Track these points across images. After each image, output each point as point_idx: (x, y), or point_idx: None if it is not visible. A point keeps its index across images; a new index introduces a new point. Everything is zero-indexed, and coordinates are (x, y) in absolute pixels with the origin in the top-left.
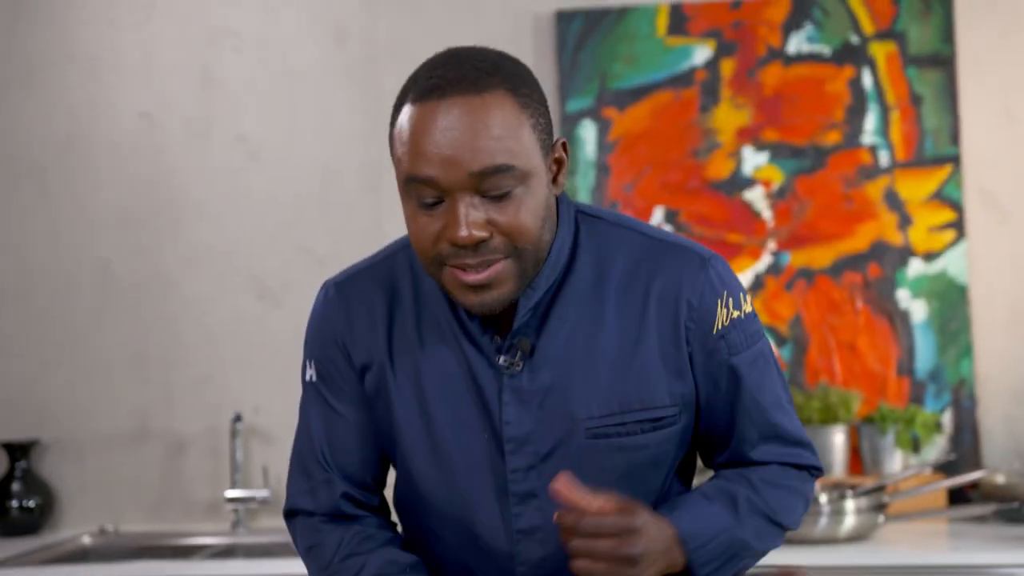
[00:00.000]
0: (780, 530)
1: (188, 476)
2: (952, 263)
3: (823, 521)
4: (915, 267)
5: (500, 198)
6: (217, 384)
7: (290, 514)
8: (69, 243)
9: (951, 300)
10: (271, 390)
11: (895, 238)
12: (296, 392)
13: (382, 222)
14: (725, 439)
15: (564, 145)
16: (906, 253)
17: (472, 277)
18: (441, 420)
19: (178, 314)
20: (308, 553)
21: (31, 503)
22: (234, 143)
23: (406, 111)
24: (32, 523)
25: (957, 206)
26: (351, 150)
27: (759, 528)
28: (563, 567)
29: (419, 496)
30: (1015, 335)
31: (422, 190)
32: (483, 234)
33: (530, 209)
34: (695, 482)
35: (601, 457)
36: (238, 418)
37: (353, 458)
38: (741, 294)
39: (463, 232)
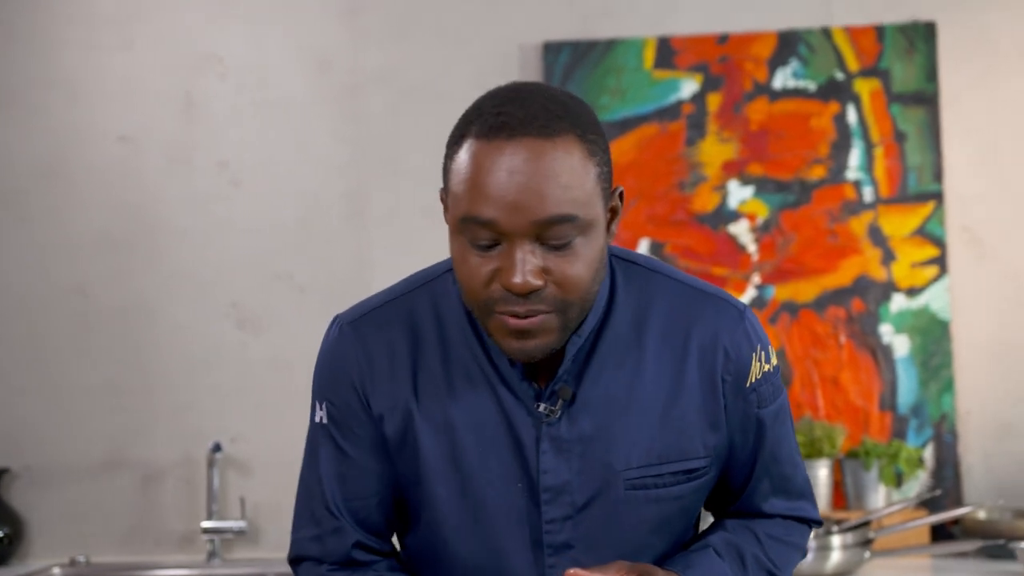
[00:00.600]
0: None
1: (162, 506)
2: (934, 299)
3: (809, 557)
4: (898, 302)
5: (559, 247)
6: (194, 413)
7: (296, 560)
8: (47, 268)
9: (933, 335)
10: (249, 419)
11: (878, 273)
12: (275, 421)
13: (364, 251)
14: (741, 490)
15: (621, 195)
16: (889, 288)
17: (518, 323)
18: (474, 469)
19: (156, 341)
20: None
21: (0, 533)
22: (216, 169)
23: (468, 146)
24: (1, 554)
25: (940, 242)
26: (334, 178)
27: None
28: None
29: (445, 547)
30: (996, 371)
31: (479, 231)
32: (538, 283)
33: (587, 260)
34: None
35: (638, 508)
36: (217, 447)
37: (368, 503)
38: (770, 347)
39: (518, 279)
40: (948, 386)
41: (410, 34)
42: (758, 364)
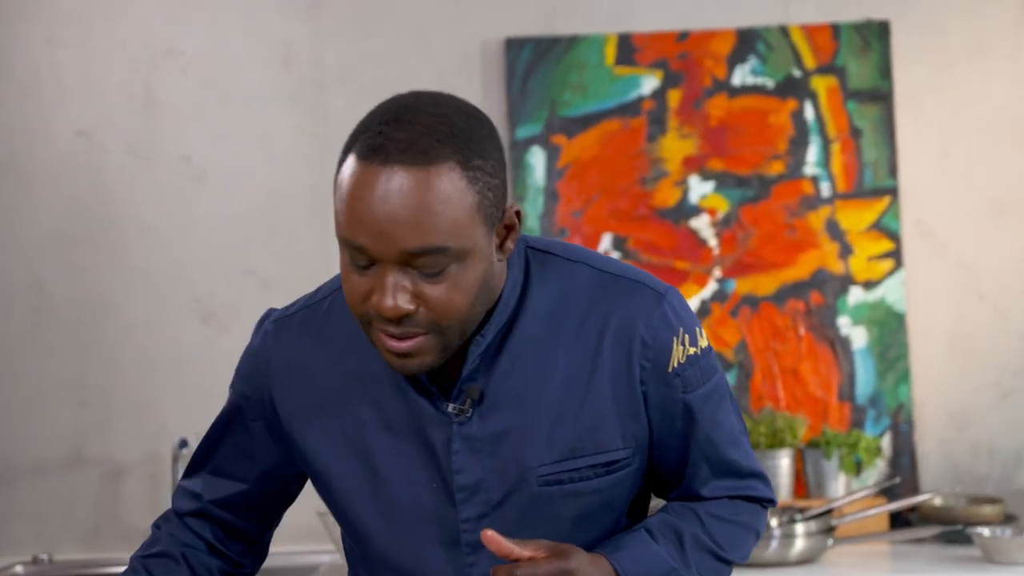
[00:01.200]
0: (727, 566)
1: (126, 504)
2: (890, 292)
3: (774, 544)
4: (855, 295)
5: (432, 275)
6: (158, 410)
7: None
8: (3, 264)
9: (890, 327)
10: (212, 415)
11: (836, 267)
12: None
13: (329, 245)
14: (678, 476)
15: (518, 213)
16: (847, 281)
17: (394, 344)
18: (385, 472)
19: (117, 337)
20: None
21: None
22: (177, 164)
23: (349, 165)
24: None
25: (895, 236)
26: (297, 173)
27: (705, 565)
28: None
29: (366, 550)
30: (950, 362)
31: (354, 253)
32: (408, 307)
33: (462, 287)
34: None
35: (555, 504)
36: (183, 443)
37: (233, 487)
38: (697, 329)
39: (388, 303)
40: (904, 377)
41: (373, 30)
42: (680, 348)
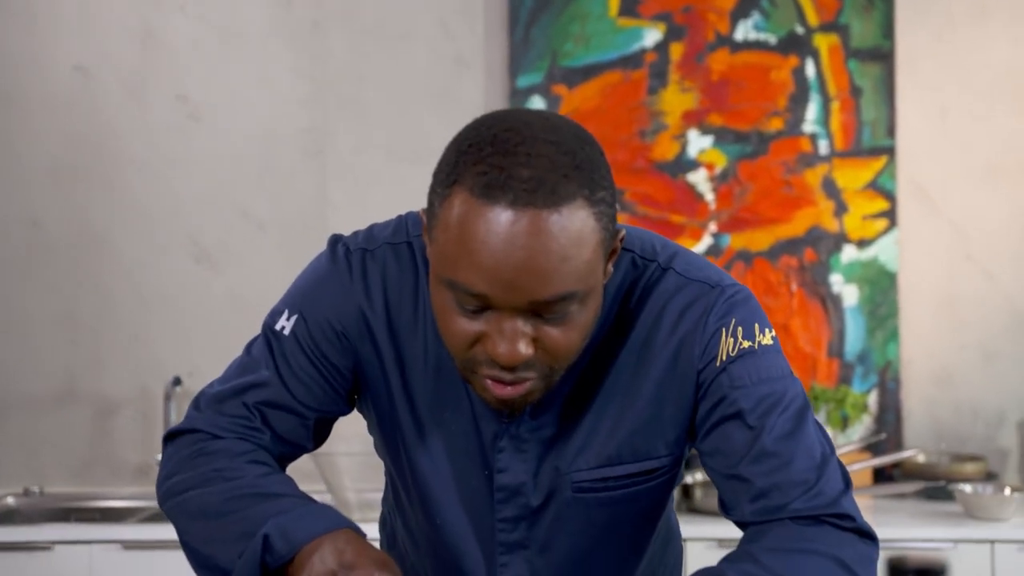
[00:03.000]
0: None
1: (117, 439)
2: (883, 251)
3: None
4: (848, 253)
5: (555, 319)
6: (151, 347)
7: (174, 435)
8: None
9: (881, 286)
10: (206, 355)
11: (831, 224)
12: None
13: (325, 187)
14: (730, 492)
15: (623, 238)
16: (840, 239)
17: (504, 392)
18: (436, 449)
19: (111, 274)
20: (192, 460)
21: None
22: (174, 102)
23: (460, 200)
24: None
25: (890, 196)
26: (294, 114)
27: None
28: None
29: (407, 522)
30: (939, 322)
31: (464, 297)
32: (529, 354)
33: (580, 326)
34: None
35: (588, 511)
36: (177, 381)
37: (290, 421)
38: (757, 325)
39: (507, 351)
40: (893, 335)
41: None
42: (731, 339)
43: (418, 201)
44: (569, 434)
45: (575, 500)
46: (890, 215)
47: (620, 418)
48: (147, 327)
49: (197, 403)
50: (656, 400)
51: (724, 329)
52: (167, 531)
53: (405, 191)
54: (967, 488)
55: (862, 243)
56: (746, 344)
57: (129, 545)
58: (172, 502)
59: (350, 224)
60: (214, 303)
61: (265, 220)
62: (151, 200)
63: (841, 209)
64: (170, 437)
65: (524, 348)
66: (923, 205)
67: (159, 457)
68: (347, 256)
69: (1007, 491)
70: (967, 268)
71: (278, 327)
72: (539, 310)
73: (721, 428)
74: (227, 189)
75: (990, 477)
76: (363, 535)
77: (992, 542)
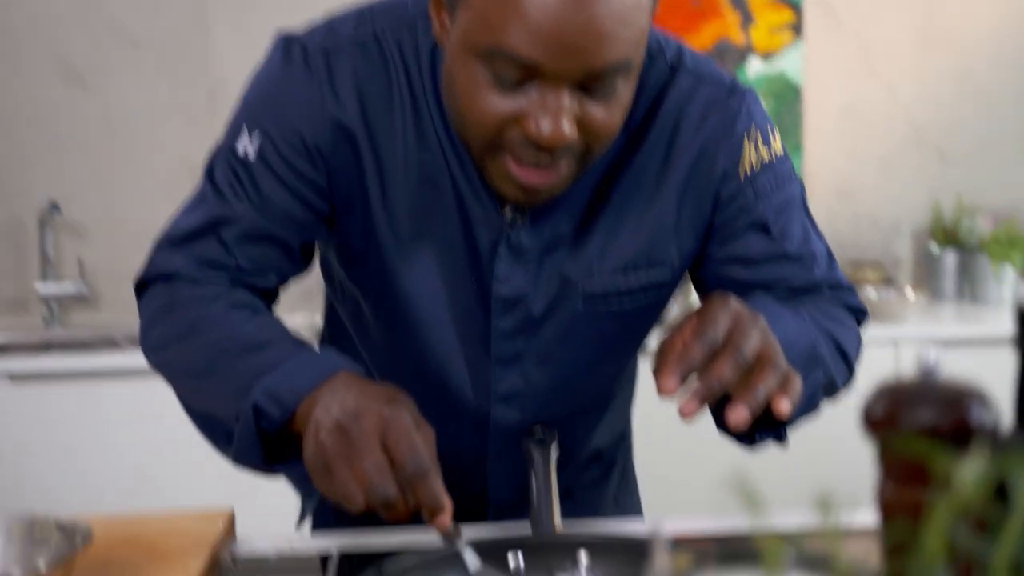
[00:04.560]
0: (843, 360)
1: None
2: (789, 64)
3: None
4: (755, 66)
5: (603, 95)
6: (19, 173)
7: (145, 283)
8: None
9: (787, 99)
10: (80, 180)
11: (737, 37)
12: (108, 182)
13: (202, 5)
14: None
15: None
16: (747, 52)
17: (532, 177)
18: (421, 262)
19: None
20: (168, 311)
21: None
22: None
23: None
24: None
25: (797, 8)
26: None
27: (828, 345)
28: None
29: (386, 336)
30: (841, 136)
31: (508, 68)
32: (573, 135)
33: (623, 105)
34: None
35: (598, 323)
36: (55, 207)
37: (268, 252)
38: (770, 129)
39: (550, 130)
40: (796, 149)
41: None
42: (753, 151)
43: (319, 9)
44: (574, 239)
45: (585, 311)
46: (797, 28)
47: (638, 223)
48: (14, 151)
49: (161, 244)
50: (677, 204)
51: (746, 135)
52: (54, 362)
53: (295, 8)
54: (872, 292)
55: (768, 56)
56: (765, 152)
57: (16, 376)
58: (155, 359)
59: (235, 45)
60: (88, 126)
61: (139, 37)
62: (13, 16)
63: (747, 21)
64: (141, 286)
65: (568, 127)
66: (829, 19)
67: (39, 288)
68: (305, 59)
69: (909, 293)
70: (869, 83)
71: (240, 149)
72: (589, 82)
73: (744, 237)
74: (97, 4)
75: (888, 282)
76: (359, 370)
77: (896, 342)
